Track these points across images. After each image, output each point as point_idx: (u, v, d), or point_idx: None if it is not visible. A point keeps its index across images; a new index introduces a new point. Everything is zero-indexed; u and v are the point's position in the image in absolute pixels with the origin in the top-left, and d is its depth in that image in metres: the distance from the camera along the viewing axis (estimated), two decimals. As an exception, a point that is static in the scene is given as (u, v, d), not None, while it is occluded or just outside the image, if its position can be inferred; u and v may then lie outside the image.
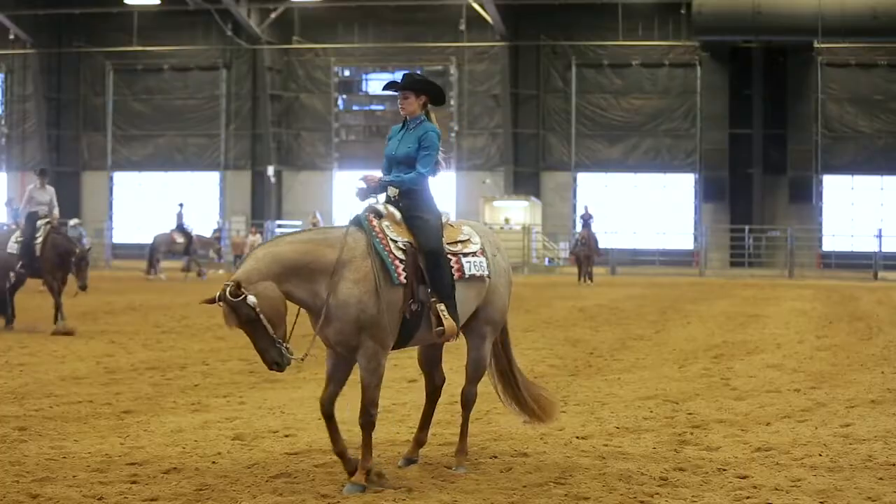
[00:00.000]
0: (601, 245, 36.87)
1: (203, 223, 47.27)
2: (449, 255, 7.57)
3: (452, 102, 48.42)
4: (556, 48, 48.17)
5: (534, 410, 8.32)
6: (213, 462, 7.96)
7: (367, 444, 7.31)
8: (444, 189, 47.62)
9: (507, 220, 45.48)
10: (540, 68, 48.23)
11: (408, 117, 7.71)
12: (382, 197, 7.67)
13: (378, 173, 7.76)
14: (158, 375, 12.54)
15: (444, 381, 8.19)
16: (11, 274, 17.53)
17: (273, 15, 48.44)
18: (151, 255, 37.21)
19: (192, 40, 49.60)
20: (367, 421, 7.31)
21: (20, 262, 17.44)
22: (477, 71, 48.27)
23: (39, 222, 17.78)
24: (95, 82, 51.16)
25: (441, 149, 7.78)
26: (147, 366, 13.36)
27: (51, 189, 18.27)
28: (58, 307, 17.45)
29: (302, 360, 7.14)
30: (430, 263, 7.44)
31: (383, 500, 6.95)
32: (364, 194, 7.59)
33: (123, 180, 51.44)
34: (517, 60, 48.01)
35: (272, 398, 10.93)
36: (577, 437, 8.92)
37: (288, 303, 7.21)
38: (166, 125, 50.44)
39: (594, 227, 36.28)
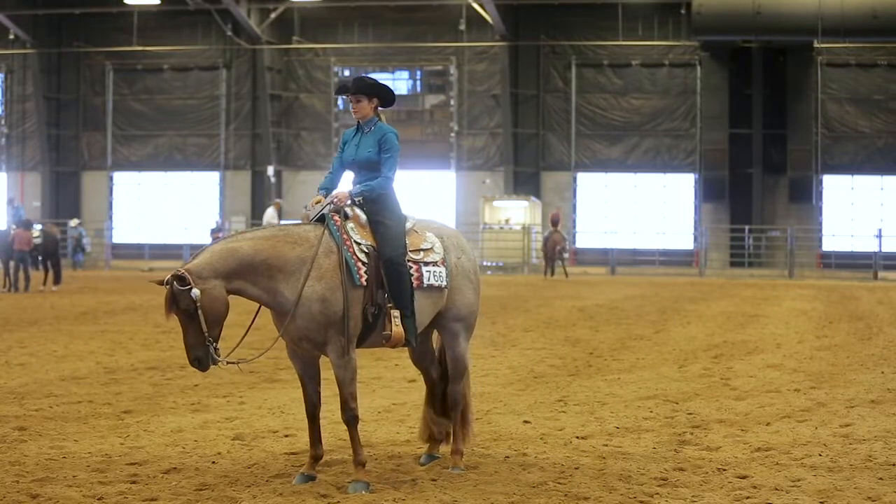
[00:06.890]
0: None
1: (202, 224, 47.32)
2: (410, 263, 7.59)
3: (452, 102, 48.41)
4: (556, 48, 48.12)
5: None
6: (213, 462, 7.96)
7: (355, 438, 7.38)
8: (444, 189, 47.62)
9: (506, 220, 45.48)
10: (540, 68, 48.17)
11: (361, 121, 7.77)
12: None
13: (344, 190, 7.71)
14: (158, 375, 12.54)
15: (441, 375, 8.20)
16: None
17: (273, 15, 48.39)
18: None
19: (192, 40, 49.53)
20: (351, 416, 7.38)
21: None
22: (477, 71, 48.22)
23: None
24: (95, 82, 51.08)
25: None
26: (147, 366, 13.36)
27: None
28: None
29: (237, 364, 7.25)
30: (389, 270, 7.49)
31: (383, 500, 6.95)
32: (338, 211, 7.57)
33: (123, 180, 51.36)
34: (517, 60, 47.94)
35: (272, 398, 10.93)
36: (577, 437, 8.92)
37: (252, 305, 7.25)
38: (166, 125, 50.37)
39: (561, 228, 39.10)
